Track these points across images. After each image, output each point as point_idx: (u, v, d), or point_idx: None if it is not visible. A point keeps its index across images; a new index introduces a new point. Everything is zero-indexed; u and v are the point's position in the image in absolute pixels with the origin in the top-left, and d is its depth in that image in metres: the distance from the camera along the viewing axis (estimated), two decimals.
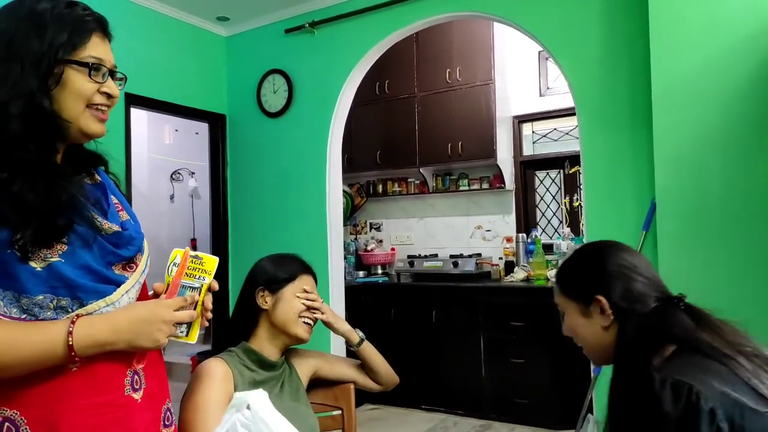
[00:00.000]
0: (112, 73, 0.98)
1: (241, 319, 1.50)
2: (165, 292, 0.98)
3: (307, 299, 1.50)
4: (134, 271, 0.98)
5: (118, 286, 0.93)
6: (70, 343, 0.84)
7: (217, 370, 1.35)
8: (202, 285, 1.00)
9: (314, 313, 1.51)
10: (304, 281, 1.53)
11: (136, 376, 0.95)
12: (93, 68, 0.93)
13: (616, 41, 2.66)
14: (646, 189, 2.54)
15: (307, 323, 1.49)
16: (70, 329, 0.84)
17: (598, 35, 2.70)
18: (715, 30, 2.21)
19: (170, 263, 1.01)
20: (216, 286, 1.03)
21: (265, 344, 1.47)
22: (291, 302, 1.48)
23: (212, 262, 1.02)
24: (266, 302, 1.47)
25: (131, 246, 0.98)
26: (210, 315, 1.01)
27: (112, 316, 0.90)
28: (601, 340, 1.08)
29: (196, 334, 0.99)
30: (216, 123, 3.93)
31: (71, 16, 0.93)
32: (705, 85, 2.22)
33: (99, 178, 1.04)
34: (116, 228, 0.97)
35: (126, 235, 0.98)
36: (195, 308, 0.98)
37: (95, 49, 0.95)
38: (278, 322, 1.46)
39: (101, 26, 0.97)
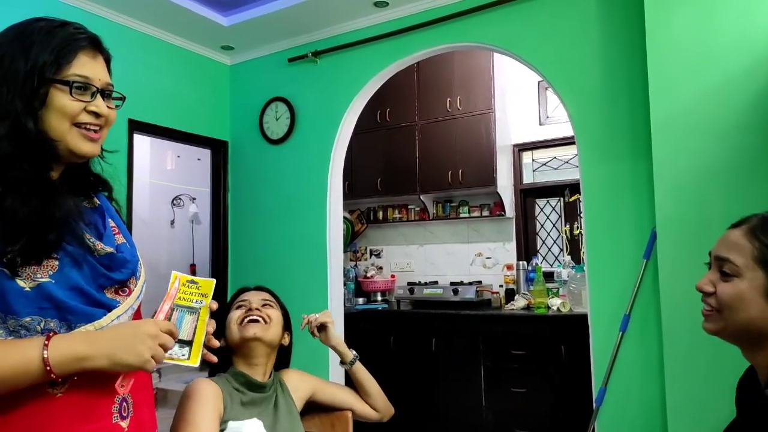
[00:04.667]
0: (104, 92, 0.97)
1: (222, 355, 1.51)
2: (153, 315, 0.96)
3: (241, 301, 1.53)
4: (127, 295, 0.96)
5: (110, 310, 0.91)
6: (45, 356, 0.80)
7: (208, 389, 1.36)
8: (200, 308, 0.99)
9: (251, 310, 1.49)
10: (239, 299, 1.56)
11: (124, 403, 0.92)
12: (75, 86, 0.92)
13: (615, 72, 2.69)
14: (646, 217, 2.55)
15: (248, 321, 1.47)
16: (46, 343, 0.81)
17: (597, 66, 2.74)
18: (712, 62, 2.24)
19: (170, 288, 1.00)
20: (215, 306, 1.01)
21: (245, 366, 1.47)
22: (231, 318, 1.51)
23: (208, 284, 1.02)
24: (224, 337, 1.51)
25: (124, 269, 0.96)
26: (216, 343, 1.00)
27: (92, 332, 0.87)
28: (763, 324, 0.93)
29: (198, 357, 0.96)
30: (218, 149, 3.97)
31: (60, 34, 0.93)
32: (704, 115, 2.25)
33: (98, 202, 1.03)
34: (109, 249, 0.95)
35: (119, 258, 0.96)
36: (194, 332, 0.97)
37: (82, 67, 0.93)
38: (231, 343, 1.48)
39: (92, 44, 0.96)
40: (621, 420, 2.58)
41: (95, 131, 0.95)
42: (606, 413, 2.61)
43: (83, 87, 0.93)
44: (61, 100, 0.91)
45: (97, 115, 0.95)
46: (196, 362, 0.96)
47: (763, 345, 0.93)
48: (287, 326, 1.60)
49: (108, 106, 0.97)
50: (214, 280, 1.03)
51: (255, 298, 1.54)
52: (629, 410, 2.56)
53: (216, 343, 1.00)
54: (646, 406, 2.50)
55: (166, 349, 0.89)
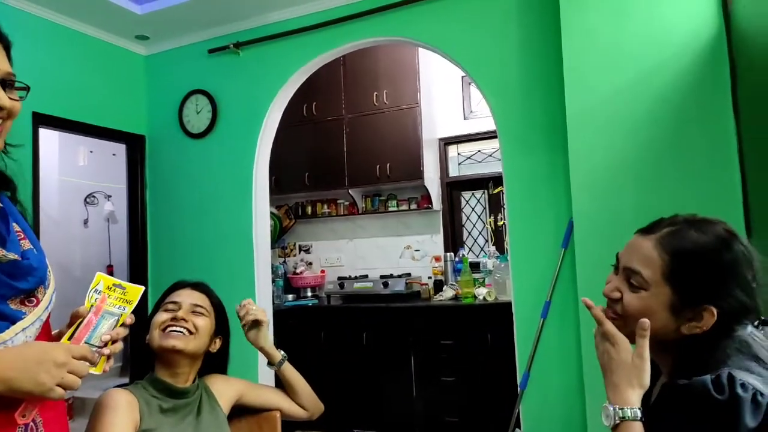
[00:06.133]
0: (5, 83, 0.89)
1: (144, 353, 1.45)
2: (72, 333, 0.89)
3: (171, 302, 1.45)
4: (35, 306, 0.88)
5: (14, 322, 0.83)
6: None
7: (121, 399, 1.29)
8: (121, 315, 0.94)
9: (177, 320, 1.41)
10: (174, 297, 1.48)
11: (32, 424, 0.85)
12: None
13: (534, 68, 2.80)
14: (564, 208, 2.67)
15: (171, 329, 1.39)
16: None
17: (516, 61, 2.84)
18: (624, 59, 2.38)
19: (92, 289, 0.95)
20: (131, 320, 0.96)
21: (165, 373, 1.41)
22: (155, 321, 1.43)
23: (136, 291, 0.97)
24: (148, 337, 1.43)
25: (31, 277, 0.88)
26: (119, 347, 0.93)
27: None
28: (667, 336, 0.96)
29: (102, 365, 0.91)
30: (134, 144, 3.77)
31: None
32: (616, 111, 2.38)
33: (0, 205, 0.95)
34: (13, 256, 0.87)
35: (24, 265, 0.88)
36: (105, 342, 0.91)
37: None
38: (152, 347, 1.41)
39: None
40: (544, 402, 2.70)
41: None
42: (530, 396, 2.73)
43: None
44: None
45: None
46: (100, 370, 0.91)
47: (667, 350, 0.99)
48: (220, 331, 1.52)
49: (10, 98, 0.89)
50: (143, 288, 0.99)
51: (187, 302, 1.46)
52: (551, 392, 2.68)
53: (106, 351, 0.93)
54: (566, 387, 2.64)
55: (79, 375, 0.82)
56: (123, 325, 0.95)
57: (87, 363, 0.84)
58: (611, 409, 0.92)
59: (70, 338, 0.90)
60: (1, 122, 0.88)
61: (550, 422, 2.68)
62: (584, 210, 2.43)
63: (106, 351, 0.91)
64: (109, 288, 0.95)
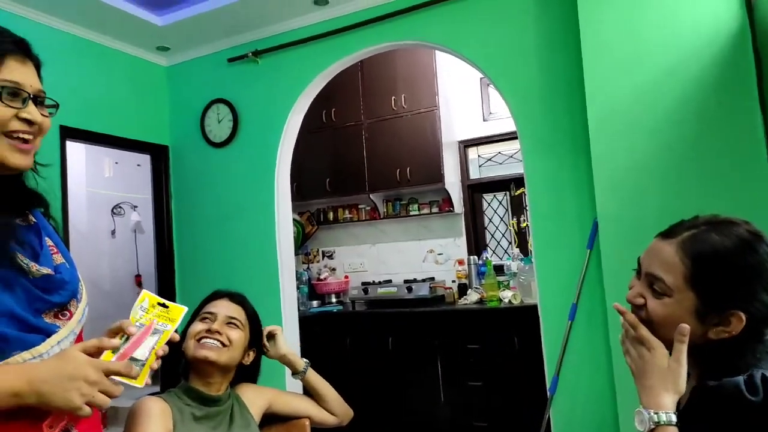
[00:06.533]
0: (36, 99, 0.90)
1: (180, 362, 1.47)
2: (117, 349, 0.89)
3: (207, 313, 1.47)
4: (68, 319, 0.90)
5: (49, 335, 0.85)
6: None
7: (155, 407, 1.31)
8: (164, 332, 0.96)
9: (212, 332, 1.43)
10: (210, 307, 1.50)
11: None
12: (5, 92, 0.85)
13: (554, 68, 2.76)
14: (587, 209, 2.63)
15: (205, 341, 1.42)
16: None
17: (536, 62, 2.80)
18: (642, 60, 2.33)
19: (137, 306, 0.97)
20: (177, 338, 0.98)
21: (199, 382, 1.43)
22: (191, 331, 1.45)
23: (178, 311, 1.00)
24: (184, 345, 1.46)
25: (63, 291, 0.90)
26: (157, 364, 0.94)
27: (29, 365, 0.80)
28: (695, 341, 0.93)
29: (144, 377, 0.92)
30: (158, 154, 3.82)
31: None
32: (637, 112, 2.33)
33: (33, 219, 0.96)
34: (46, 271, 0.89)
35: (57, 279, 0.90)
36: (149, 354, 0.93)
37: (11, 72, 0.87)
38: (187, 356, 1.43)
39: (20, 48, 0.90)
40: (574, 406, 2.65)
41: (26, 141, 0.89)
42: (559, 401, 2.68)
43: (14, 93, 0.86)
44: None
45: (30, 123, 0.88)
46: (142, 383, 0.92)
47: (694, 354, 0.95)
48: (254, 343, 1.54)
49: (42, 114, 0.91)
50: (186, 308, 1.01)
51: (222, 313, 1.47)
52: (581, 396, 2.64)
53: (155, 366, 0.95)
54: (597, 391, 2.59)
55: (111, 395, 0.82)
56: (167, 342, 0.96)
57: (119, 384, 0.84)
58: (646, 413, 0.90)
59: (114, 352, 0.91)
60: (32, 138, 0.90)
61: (581, 427, 2.63)
62: (609, 211, 2.38)
63: (155, 365, 0.92)
64: (153, 306, 0.98)
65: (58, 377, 0.78)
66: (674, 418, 0.89)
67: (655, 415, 0.89)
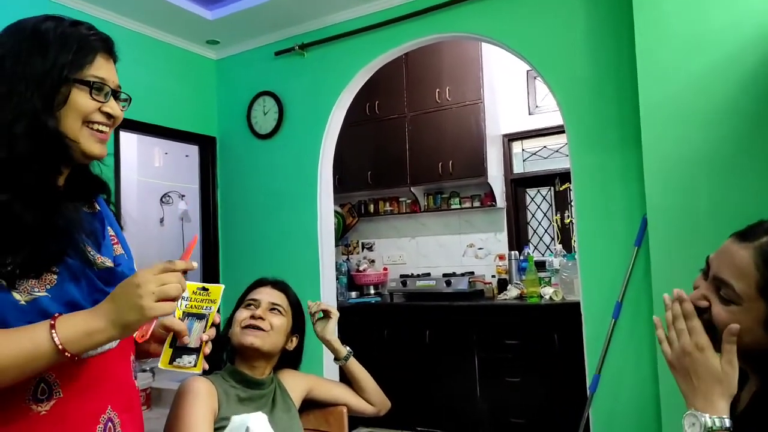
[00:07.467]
0: (115, 94, 0.97)
1: (226, 347, 1.53)
2: (171, 342, 0.95)
3: (252, 300, 1.52)
4: None
5: None
6: (54, 336, 0.77)
7: (201, 387, 1.36)
8: (209, 314, 1.00)
9: (255, 319, 1.48)
10: (255, 294, 1.55)
11: (110, 424, 0.90)
12: (95, 87, 0.92)
13: (603, 60, 2.69)
14: (636, 205, 2.56)
15: (250, 326, 1.47)
16: (52, 323, 0.79)
17: (585, 54, 2.74)
18: (700, 48, 2.24)
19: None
20: (218, 319, 1.02)
21: (244, 366, 1.48)
22: (237, 318, 1.51)
23: (217, 290, 1.03)
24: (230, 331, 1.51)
25: None
26: (209, 347, 0.98)
27: (93, 308, 0.83)
28: (760, 350, 0.89)
29: (201, 363, 0.97)
30: (206, 145, 3.93)
31: (75, 35, 0.93)
32: (691, 102, 2.25)
33: (98, 207, 1.01)
34: (109, 263, 0.94)
35: (118, 272, 0.94)
36: (201, 342, 0.97)
37: (99, 69, 0.94)
38: (233, 342, 1.49)
39: (106, 46, 0.97)
40: (615, 406, 2.60)
41: (104, 132, 0.95)
42: (600, 400, 2.63)
43: (100, 88, 0.93)
44: (81, 99, 0.91)
45: (109, 116, 0.95)
46: (200, 369, 0.97)
47: (756, 360, 0.92)
48: (297, 329, 1.57)
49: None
50: (223, 286, 1.04)
51: (266, 300, 1.52)
52: (623, 396, 2.58)
53: (207, 350, 0.99)
54: (640, 391, 2.52)
55: (171, 289, 0.83)
56: (213, 324, 1.00)
57: (176, 273, 0.85)
58: (701, 418, 0.87)
59: (171, 345, 0.96)
60: (108, 129, 0.96)
61: (622, 427, 2.57)
62: (659, 206, 2.31)
63: (207, 350, 0.97)
64: (194, 293, 1.01)
65: (118, 300, 0.81)
66: (728, 423, 0.86)
67: (709, 420, 0.86)
